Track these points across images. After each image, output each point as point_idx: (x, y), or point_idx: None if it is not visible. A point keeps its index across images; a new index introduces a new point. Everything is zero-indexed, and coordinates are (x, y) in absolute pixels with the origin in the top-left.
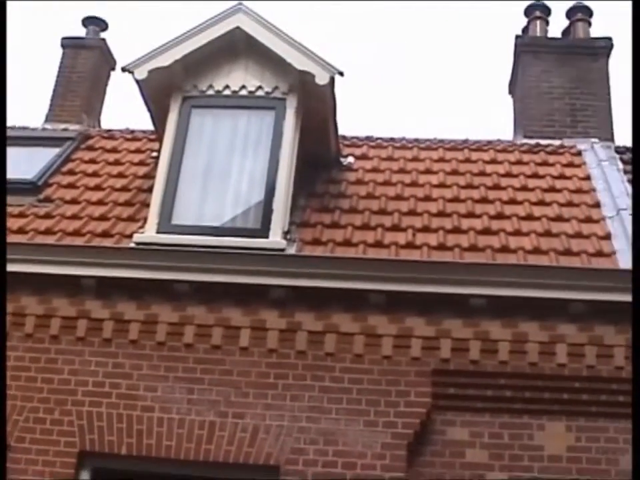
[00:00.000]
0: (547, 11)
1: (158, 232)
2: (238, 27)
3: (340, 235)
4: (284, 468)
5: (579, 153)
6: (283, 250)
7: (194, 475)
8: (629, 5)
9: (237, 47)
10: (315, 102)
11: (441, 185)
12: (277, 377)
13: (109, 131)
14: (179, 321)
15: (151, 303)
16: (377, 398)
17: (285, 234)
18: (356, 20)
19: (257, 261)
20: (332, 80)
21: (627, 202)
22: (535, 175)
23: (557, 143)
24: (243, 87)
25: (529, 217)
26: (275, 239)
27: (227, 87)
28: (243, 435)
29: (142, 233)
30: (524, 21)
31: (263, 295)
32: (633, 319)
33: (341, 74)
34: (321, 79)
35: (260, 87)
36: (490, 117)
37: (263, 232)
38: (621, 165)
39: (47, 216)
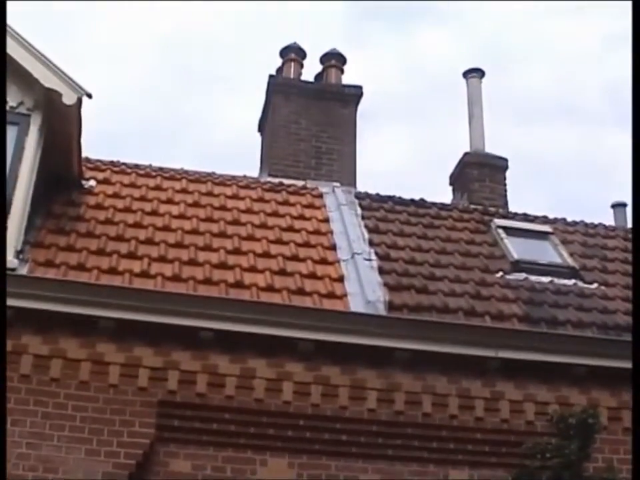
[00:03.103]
0: (302, 54)
1: None
2: None
3: (74, 258)
4: None
5: (321, 195)
6: (14, 270)
7: None
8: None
9: None
10: (60, 121)
11: (181, 216)
12: None
13: None
14: None
15: None
16: (101, 427)
17: (18, 253)
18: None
19: None
20: (79, 100)
21: (362, 246)
22: (275, 214)
23: (300, 183)
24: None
25: (266, 255)
26: (7, 257)
27: None
28: None
29: None
30: (280, 62)
31: None
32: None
33: (89, 96)
34: (68, 98)
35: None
36: (245, 152)
37: None
38: (359, 210)
39: None
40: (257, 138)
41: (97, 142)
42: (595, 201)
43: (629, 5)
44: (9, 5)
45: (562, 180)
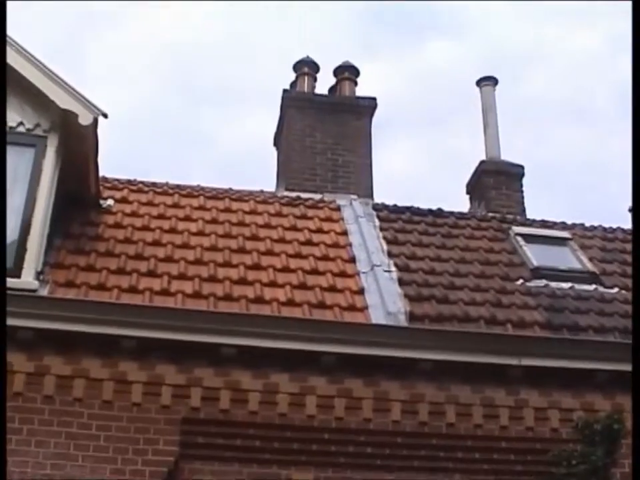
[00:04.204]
0: (316, 68)
1: None
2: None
3: (94, 278)
4: None
5: (338, 208)
6: (34, 291)
7: None
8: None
9: None
10: (77, 142)
11: (200, 233)
12: (22, 421)
13: None
14: None
15: None
16: (125, 446)
17: (38, 274)
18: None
19: (7, 301)
20: (95, 121)
21: (381, 258)
22: (294, 228)
23: (317, 197)
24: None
25: (285, 269)
26: (27, 279)
27: None
28: None
29: None
30: (293, 76)
31: (11, 337)
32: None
33: (105, 115)
34: (84, 119)
35: (21, 123)
36: (260, 168)
37: (15, 271)
38: (377, 222)
39: None
40: (273, 152)
41: (113, 161)
42: (613, 205)
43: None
44: (21, 27)
45: (579, 185)
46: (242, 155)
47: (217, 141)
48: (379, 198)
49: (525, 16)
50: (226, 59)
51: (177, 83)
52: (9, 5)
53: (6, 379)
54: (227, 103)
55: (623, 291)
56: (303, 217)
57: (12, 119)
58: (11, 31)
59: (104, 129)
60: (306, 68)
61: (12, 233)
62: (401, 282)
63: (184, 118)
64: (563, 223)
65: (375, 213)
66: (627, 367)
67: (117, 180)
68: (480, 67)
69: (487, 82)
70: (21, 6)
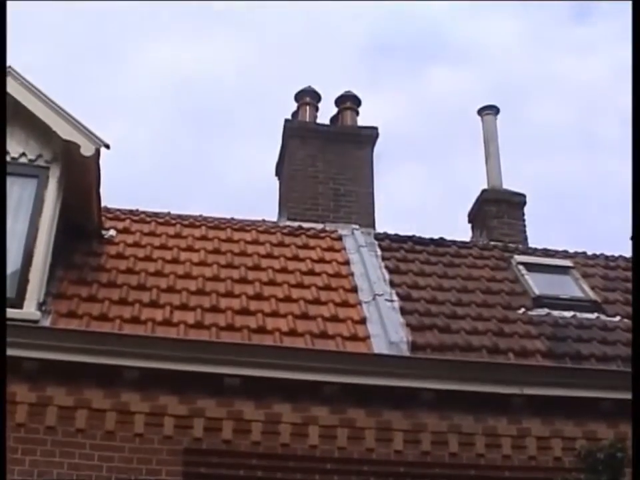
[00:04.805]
0: (317, 97)
1: None
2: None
3: (96, 308)
4: None
5: (340, 238)
6: (36, 321)
7: None
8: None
9: None
10: (79, 172)
11: (202, 263)
12: (25, 452)
13: None
14: None
15: None
16: (128, 476)
17: (40, 305)
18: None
19: (9, 331)
20: (97, 152)
21: (383, 288)
22: (296, 258)
23: (319, 226)
24: (7, 152)
25: (287, 299)
26: (30, 309)
27: None
28: None
29: None
30: (295, 105)
31: (14, 368)
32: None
33: (107, 146)
34: (87, 150)
35: (24, 154)
36: (263, 197)
37: (17, 302)
38: (379, 252)
39: None
40: (275, 182)
41: (115, 191)
42: (615, 234)
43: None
44: (26, 59)
45: (581, 213)
46: (243, 184)
47: (219, 171)
48: (380, 227)
49: (528, 44)
50: (228, 89)
51: (179, 114)
52: (12, 34)
53: (5, 410)
54: (231, 134)
55: (625, 320)
56: (305, 246)
57: (14, 149)
58: (13, 61)
59: (106, 159)
60: (307, 97)
61: (14, 263)
62: (403, 311)
63: (186, 148)
64: (565, 251)
65: (376, 242)
66: (630, 396)
67: (119, 210)
68: (483, 96)
69: (489, 111)
70: (23, 35)
